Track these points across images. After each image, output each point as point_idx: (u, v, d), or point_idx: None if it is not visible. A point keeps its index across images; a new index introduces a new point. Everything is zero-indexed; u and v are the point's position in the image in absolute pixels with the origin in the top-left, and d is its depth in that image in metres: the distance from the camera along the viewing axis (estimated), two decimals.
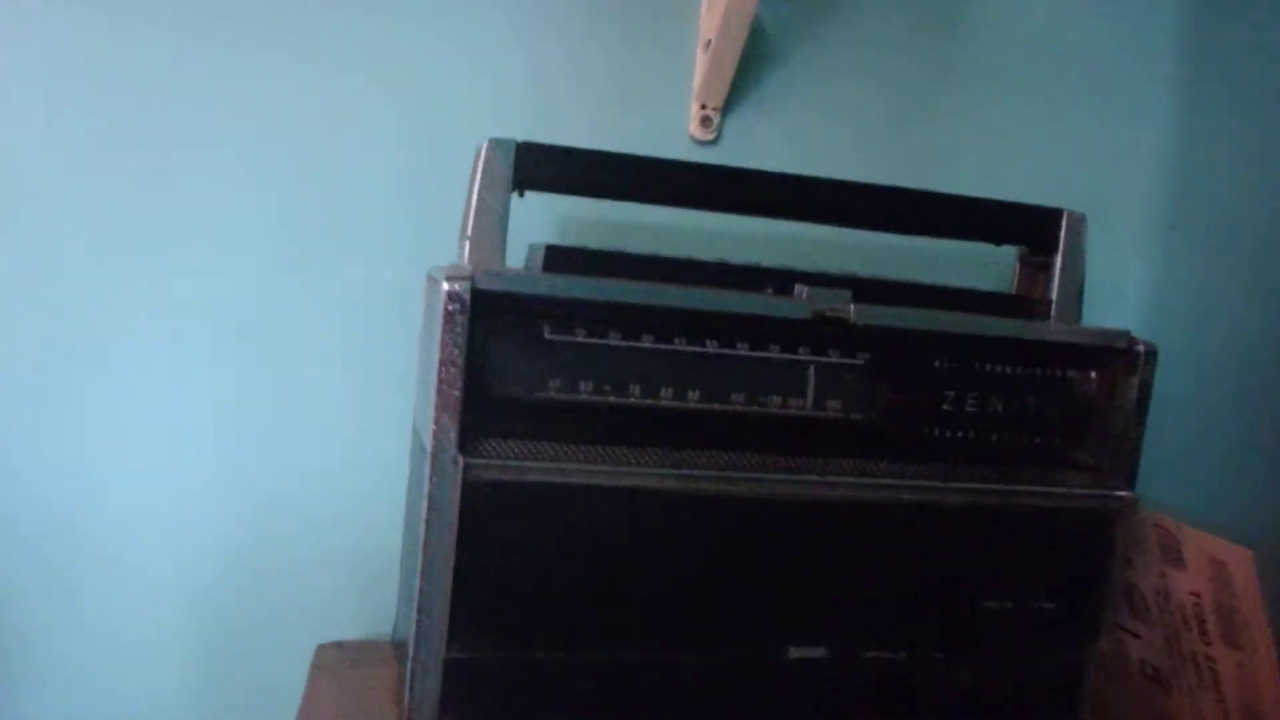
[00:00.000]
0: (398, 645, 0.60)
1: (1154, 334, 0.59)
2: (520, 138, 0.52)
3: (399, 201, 0.68)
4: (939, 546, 0.55)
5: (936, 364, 0.56)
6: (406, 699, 0.50)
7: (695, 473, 0.51)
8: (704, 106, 0.70)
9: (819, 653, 0.53)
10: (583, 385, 0.51)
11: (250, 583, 0.70)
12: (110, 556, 0.68)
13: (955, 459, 0.56)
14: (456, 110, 0.68)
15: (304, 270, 0.68)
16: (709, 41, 0.68)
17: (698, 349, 0.52)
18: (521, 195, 0.54)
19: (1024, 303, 0.61)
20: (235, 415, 0.68)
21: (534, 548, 0.49)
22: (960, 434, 0.56)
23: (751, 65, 0.71)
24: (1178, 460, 0.76)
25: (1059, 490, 0.56)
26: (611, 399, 0.52)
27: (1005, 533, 0.56)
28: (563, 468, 0.49)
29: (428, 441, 0.48)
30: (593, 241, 0.56)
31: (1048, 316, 0.60)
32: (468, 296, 0.47)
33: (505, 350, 0.50)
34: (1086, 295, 0.62)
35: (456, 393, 0.48)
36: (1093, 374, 0.58)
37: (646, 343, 0.52)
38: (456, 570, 0.48)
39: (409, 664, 0.49)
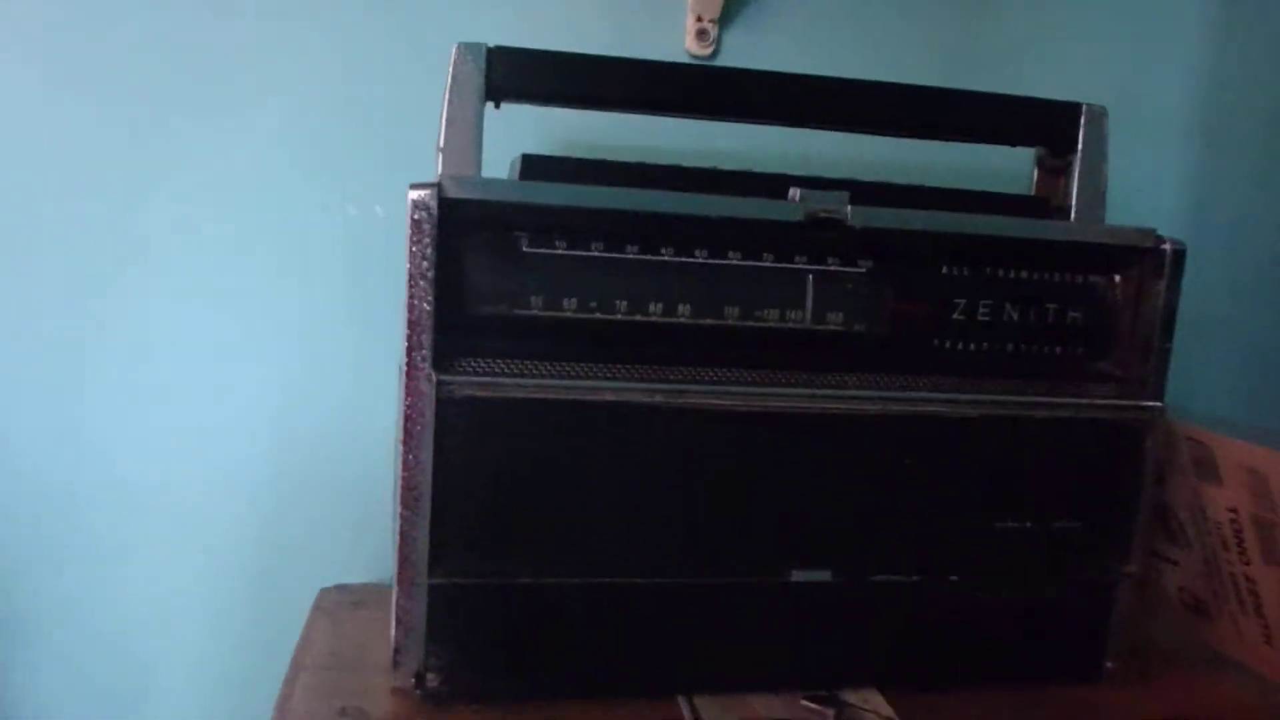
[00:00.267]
0: None
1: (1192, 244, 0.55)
2: None
3: (395, 136, 0.66)
4: (950, 462, 0.52)
5: (945, 270, 0.52)
6: (393, 630, 0.48)
7: (685, 387, 0.48)
8: (700, 19, 0.67)
9: (823, 576, 0.51)
10: (566, 301, 0.49)
11: (259, 528, 0.69)
12: (115, 514, 0.68)
13: (967, 373, 0.53)
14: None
15: (300, 208, 0.66)
16: None
17: (686, 259, 0.49)
18: (498, 106, 0.51)
19: (1041, 204, 0.57)
20: (237, 360, 0.67)
21: (517, 468, 0.47)
22: (972, 346, 0.53)
23: None
24: (1217, 376, 0.72)
25: (1081, 401, 0.53)
26: (597, 315, 0.49)
27: (1023, 447, 0.52)
28: (543, 383, 0.47)
29: (402, 360, 0.46)
30: None
31: (1067, 219, 0.56)
32: (434, 205, 0.45)
33: (482, 265, 0.48)
34: (1115, 208, 0.57)
35: (428, 307, 0.45)
36: (1116, 277, 0.54)
37: (631, 254, 0.49)
38: (435, 493, 0.46)
39: (393, 594, 0.48)
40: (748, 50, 0.69)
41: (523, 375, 0.47)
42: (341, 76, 0.66)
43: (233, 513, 0.69)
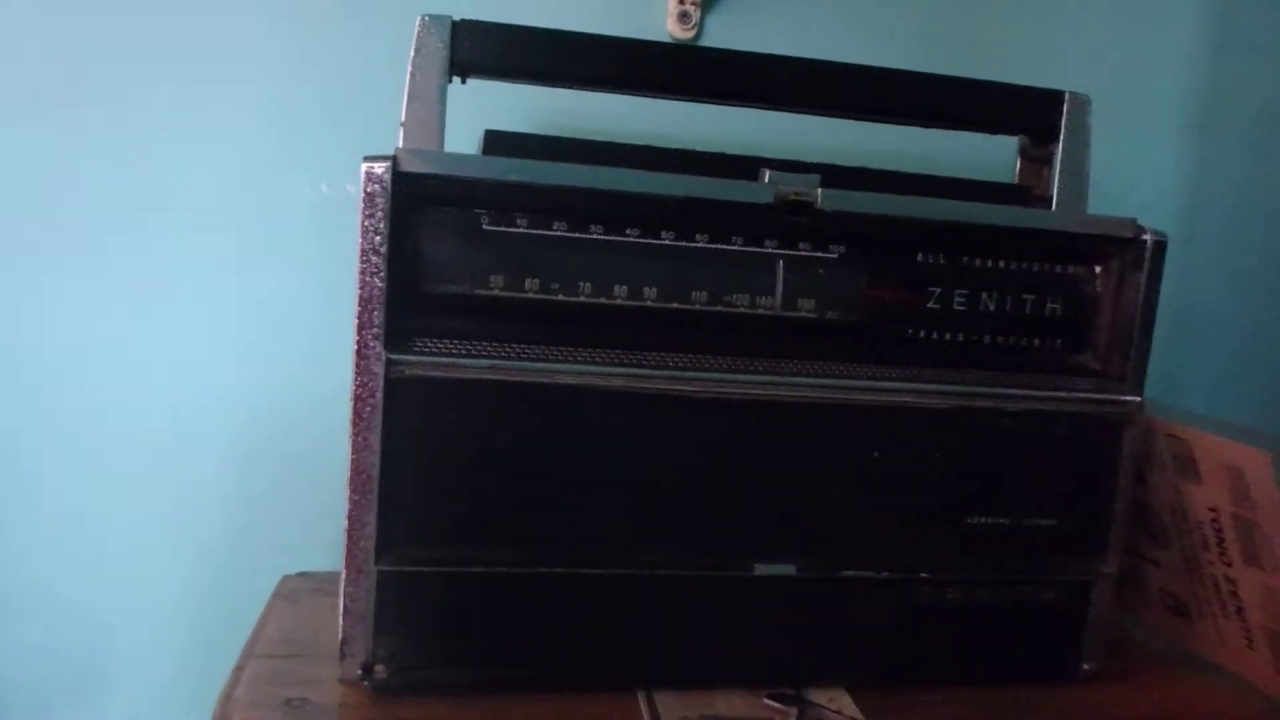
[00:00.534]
0: None
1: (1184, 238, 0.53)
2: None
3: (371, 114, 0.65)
4: (922, 455, 0.50)
5: (920, 257, 0.51)
6: (341, 619, 0.46)
7: (645, 371, 0.47)
8: (682, 1, 0.66)
9: (787, 570, 0.49)
10: (528, 282, 0.47)
11: (227, 512, 0.68)
12: (82, 493, 0.67)
13: (941, 363, 0.51)
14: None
15: (271, 186, 0.65)
16: None
17: (652, 240, 0.48)
18: (464, 81, 0.50)
19: (1022, 193, 0.56)
20: (205, 341, 0.66)
21: (469, 453, 0.46)
22: (947, 336, 0.51)
23: None
24: (1205, 373, 0.71)
25: (1058, 394, 0.51)
26: (560, 297, 0.47)
27: (997, 440, 0.51)
28: (497, 364, 0.45)
29: (353, 339, 0.45)
30: None
31: (1049, 209, 0.54)
32: (388, 178, 0.43)
33: (440, 242, 0.46)
34: (1106, 201, 0.56)
35: (380, 284, 0.44)
36: (1097, 268, 0.53)
37: (595, 234, 0.47)
38: (383, 476, 0.44)
39: (341, 580, 0.46)
40: (730, 34, 0.68)
41: (477, 356, 0.45)
42: (315, 52, 0.65)
43: (200, 497, 0.68)
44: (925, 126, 0.57)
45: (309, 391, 0.67)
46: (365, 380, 0.44)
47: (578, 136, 0.54)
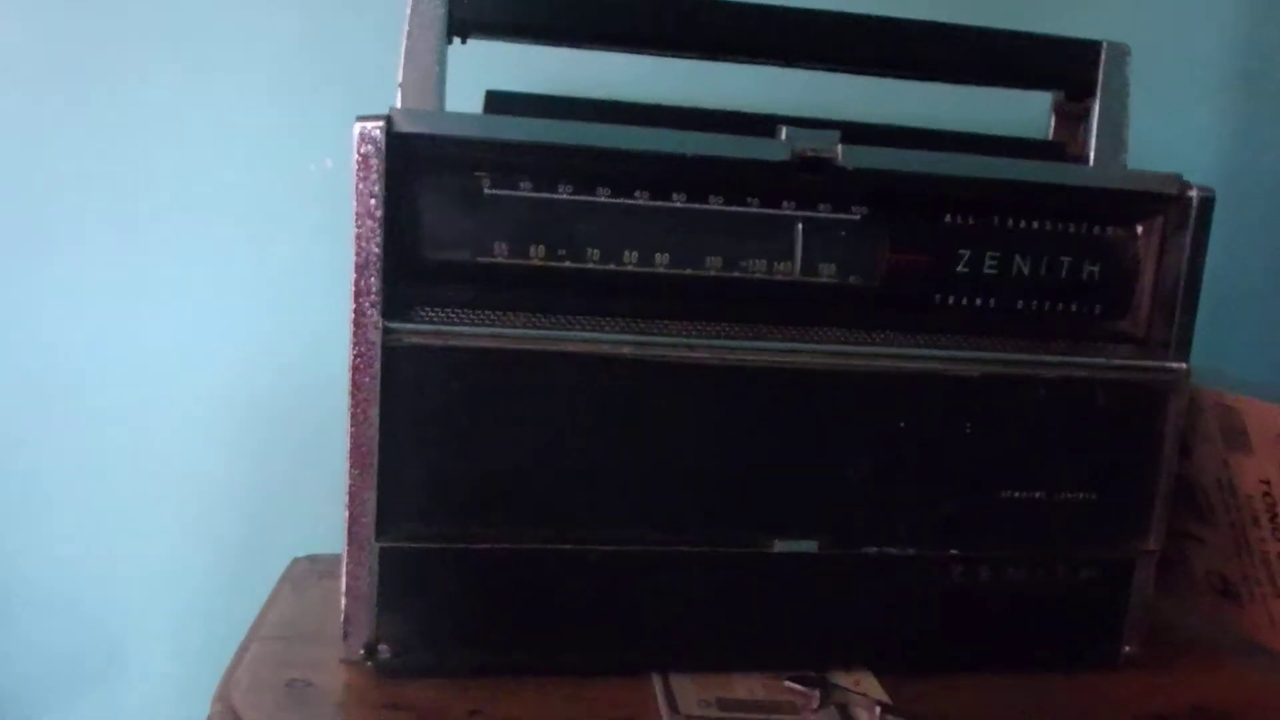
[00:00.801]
0: None
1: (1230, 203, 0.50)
2: None
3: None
4: (951, 426, 0.47)
5: (948, 218, 0.48)
6: (343, 599, 0.45)
7: (656, 339, 0.45)
8: None
9: (808, 547, 0.47)
10: (533, 248, 0.45)
11: (237, 496, 0.67)
12: (88, 480, 0.66)
13: (971, 331, 0.48)
14: None
15: (275, 161, 0.64)
16: None
17: (663, 203, 0.46)
18: (464, 41, 0.48)
19: (1057, 149, 0.53)
20: (214, 321, 0.65)
21: (472, 424, 0.44)
22: (978, 301, 0.49)
23: None
24: (1253, 347, 0.67)
25: (1096, 361, 0.48)
26: (567, 264, 0.45)
27: (1031, 410, 0.48)
28: (498, 332, 0.43)
29: (349, 308, 0.43)
30: None
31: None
32: (381, 138, 0.41)
33: (440, 207, 0.44)
34: (1145, 165, 0.53)
35: (376, 249, 0.42)
36: (1138, 228, 0.50)
37: (603, 196, 0.45)
38: (383, 450, 0.43)
39: (343, 559, 0.45)
40: None
41: (479, 324, 0.43)
42: (323, 24, 0.63)
43: (209, 481, 0.67)
44: (952, 82, 0.54)
45: (317, 372, 0.65)
46: (362, 350, 0.42)
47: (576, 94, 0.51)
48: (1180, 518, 0.56)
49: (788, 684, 0.47)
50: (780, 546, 0.46)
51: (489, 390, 0.44)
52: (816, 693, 0.46)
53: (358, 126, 0.42)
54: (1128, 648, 0.51)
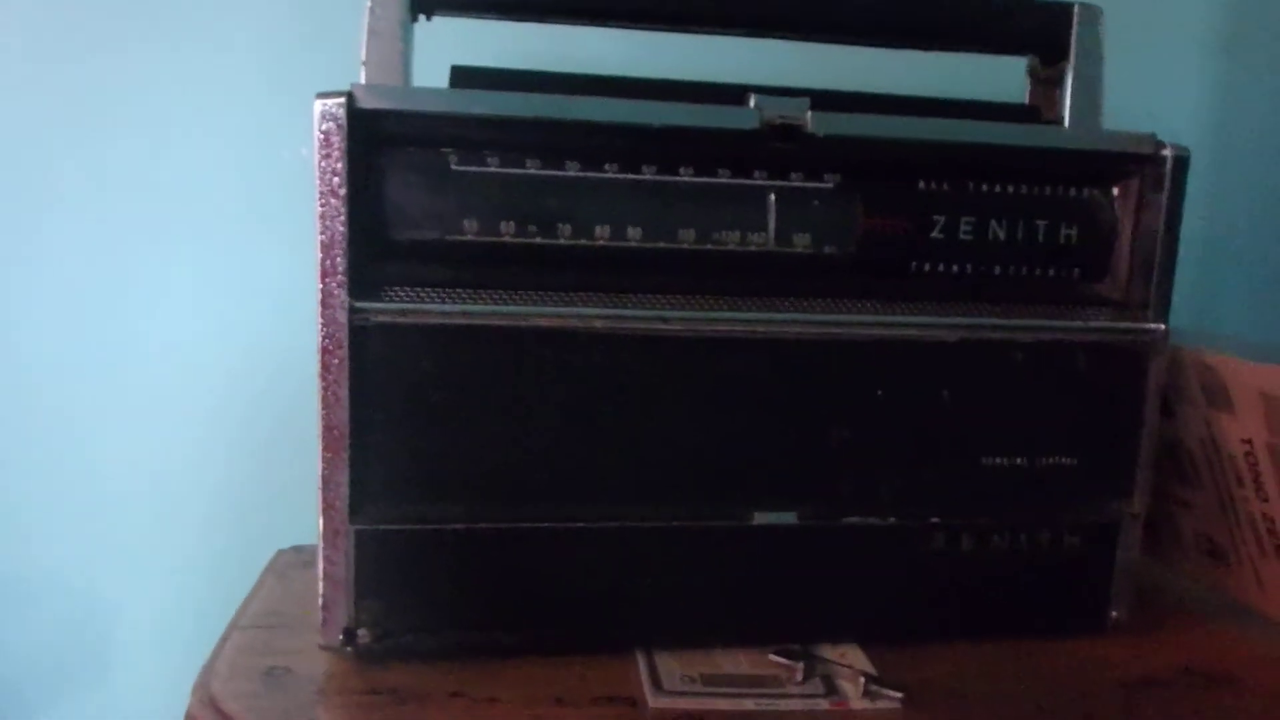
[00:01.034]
0: None
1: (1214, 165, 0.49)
2: None
3: None
4: (929, 393, 0.47)
5: (922, 184, 0.48)
6: (321, 584, 0.44)
7: (628, 312, 0.44)
8: None
9: (788, 519, 0.46)
10: (503, 225, 0.45)
11: (226, 486, 0.67)
12: (79, 470, 0.66)
13: (948, 297, 0.48)
14: None
15: (259, 146, 0.63)
16: None
17: (633, 176, 0.45)
18: (429, 18, 0.47)
19: (1031, 113, 0.52)
20: (203, 305, 0.65)
21: (444, 403, 0.43)
22: (954, 268, 0.48)
23: None
24: (1238, 307, 0.67)
25: (1073, 324, 0.48)
26: (539, 240, 0.45)
27: (1011, 375, 0.48)
28: (470, 309, 0.43)
29: (316, 289, 0.42)
30: None
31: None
32: (343, 115, 0.41)
33: (407, 185, 0.44)
34: (1129, 128, 0.52)
35: (342, 228, 0.42)
36: (1114, 189, 0.49)
37: (572, 171, 0.45)
38: (354, 431, 0.42)
39: (319, 545, 0.44)
40: None
41: (448, 302, 0.43)
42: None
43: (196, 474, 0.67)
44: (923, 49, 0.53)
45: (308, 363, 0.65)
46: (331, 330, 0.42)
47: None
48: (1166, 482, 0.56)
49: (772, 658, 0.47)
50: (760, 519, 0.46)
51: (461, 369, 0.43)
52: (801, 665, 0.46)
53: (318, 104, 0.41)
54: (1115, 612, 0.51)
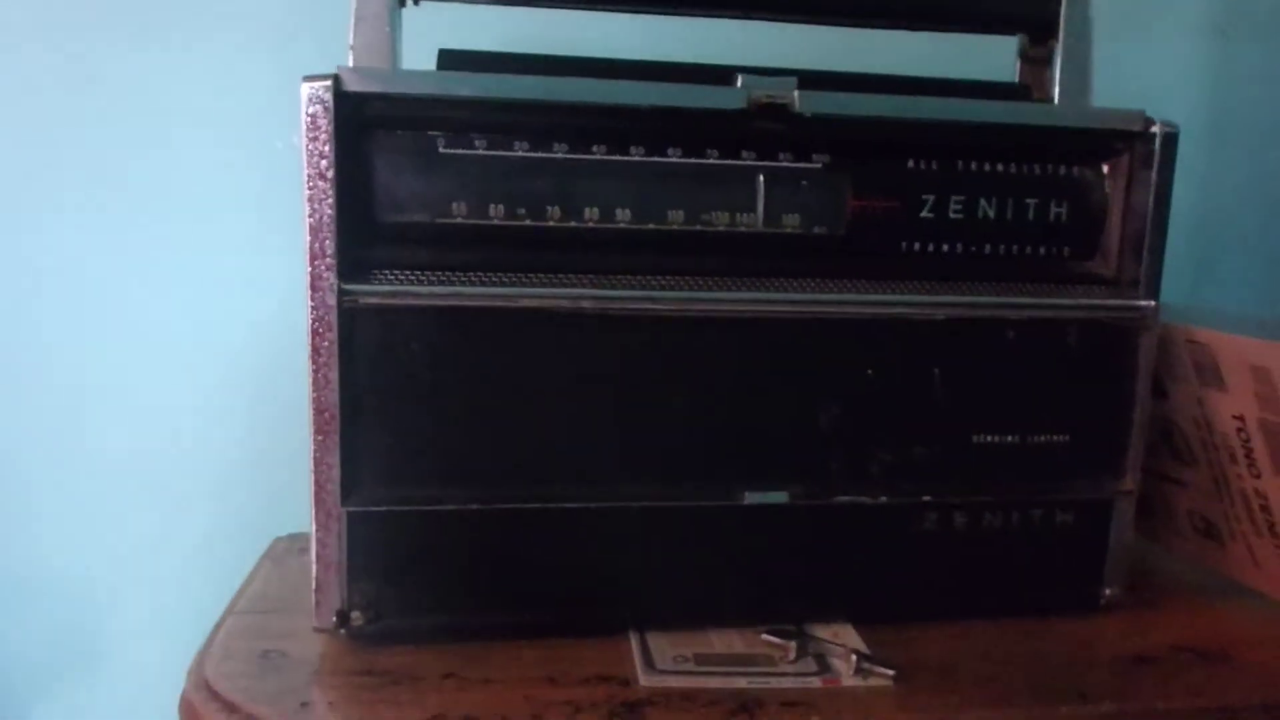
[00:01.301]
0: None
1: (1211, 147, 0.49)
2: None
3: None
4: (920, 372, 0.47)
5: (910, 163, 0.48)
6: (314, 567, 0.44)
7: (617, 293, 0.44)
8: None
9: (779, 498, 0.46)
10: (492, 208, 0.45)
11: (227, 475, 0.67)
12: (78, 460, 0.66)
13: (938, 277, 0.48)
14: None
15: (261, 137, 0.63)
16: None
17: (621, 157, 0.45)
18: (416, 3, 0.47)
19: (1021, 91, 0.52)
20: (201, 294, 0.65)
21: (434, 385, 0.43)
22: (944, 247, 0.48)
23: None
24: (1236, 287, 0.67)
25: (1064, 301, 0.48)
26: (528, 222, 0.45)
27: (1002, 353, 0.48)
28: (459, 291, 0.43)
29: (305, 272, 0.42)
30: None
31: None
32: (329, 98, 0.41)
33: (395, 168, 0.44)
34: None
35: (330, 211, 0.42)
36: (1103, 167, 0.49)
37: (560, 152, 0.45)
38: (345, 413, 0.42)
39: (311, 527, 0.44)
40: None
41: (437, 284, 0.43)
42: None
43: (195, 463, 0.67)
44: (911, 28, 0.53)
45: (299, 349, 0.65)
46: (320, 313, 0.42)
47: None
48: (1160, 460, 0.56)
49: (765, 637, 0.47)
50: (751, 498, 0.46)
51: (451, 350, 0.43)
52: (793, 644, 0.46)
53: (305, 87, 0.41)
54: (1108, 590, 0.51)
